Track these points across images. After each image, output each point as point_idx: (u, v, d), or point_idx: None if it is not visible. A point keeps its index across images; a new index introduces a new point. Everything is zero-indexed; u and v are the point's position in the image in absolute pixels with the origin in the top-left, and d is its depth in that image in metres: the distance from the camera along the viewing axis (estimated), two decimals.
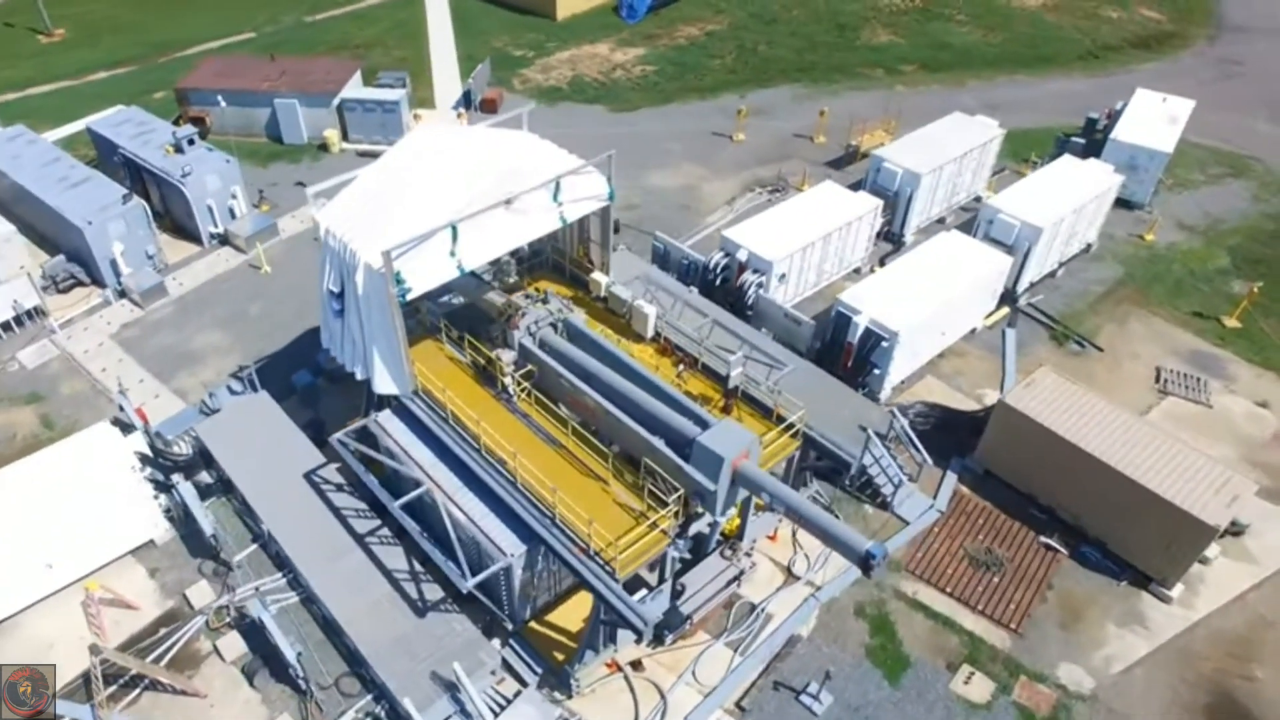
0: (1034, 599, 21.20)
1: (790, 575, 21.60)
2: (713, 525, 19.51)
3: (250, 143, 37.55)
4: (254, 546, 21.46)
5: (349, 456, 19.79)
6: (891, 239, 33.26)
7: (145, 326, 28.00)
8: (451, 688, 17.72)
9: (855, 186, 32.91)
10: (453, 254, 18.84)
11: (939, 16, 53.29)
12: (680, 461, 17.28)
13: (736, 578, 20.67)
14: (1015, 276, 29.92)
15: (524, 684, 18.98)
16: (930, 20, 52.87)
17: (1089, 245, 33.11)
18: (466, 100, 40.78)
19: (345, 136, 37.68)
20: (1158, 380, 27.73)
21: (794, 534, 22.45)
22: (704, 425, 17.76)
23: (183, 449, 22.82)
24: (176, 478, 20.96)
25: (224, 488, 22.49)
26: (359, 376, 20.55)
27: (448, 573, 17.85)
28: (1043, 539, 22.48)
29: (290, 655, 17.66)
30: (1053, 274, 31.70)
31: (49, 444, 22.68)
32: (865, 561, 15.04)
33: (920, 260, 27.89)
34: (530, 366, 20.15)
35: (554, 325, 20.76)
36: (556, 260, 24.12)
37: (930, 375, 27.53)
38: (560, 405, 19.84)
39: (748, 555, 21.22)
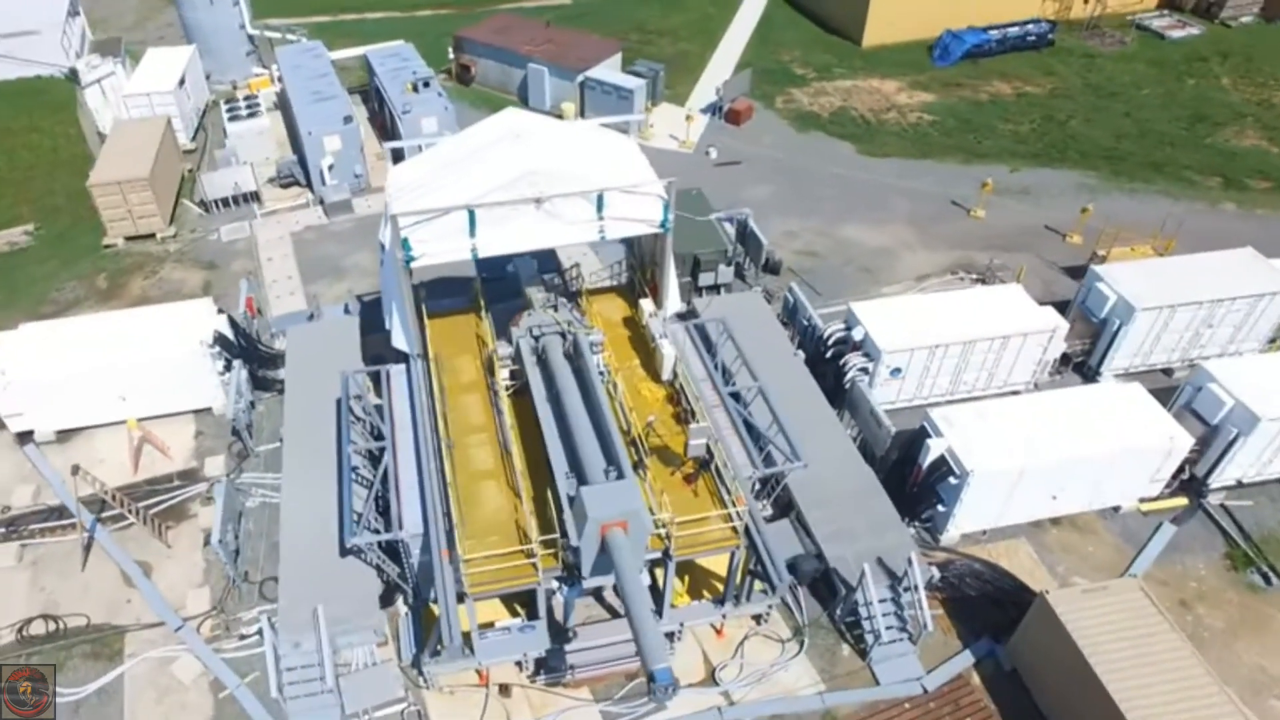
0: None
1: (711, 679, 20.25)
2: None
3: (502, 98, 41.88)
4: (277, 444, 24.76)
5: (345, 391, 22.02)
6: (1085, 373, 28.73)
7: (322, 233, 32.97)
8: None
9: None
10: (471, 236, 20.12)
11: None
12: (566, 505, 17.15)
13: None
14: (1211, 465, 24.56)
15: (400, 657, 20.11)
16: None
17: None
18: (715, 106, 41.68)
19: (582, 113, 40.51)
20: None
21: (743, 640, 20.98)
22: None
23: (280, 345, 26.95)
24: (238, 362, 24.78)
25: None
26: (386, 326, 22.73)
27: (344, 524, 19.35)
28: None
29: (214, 538, 20.42)
30: None
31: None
32: (648, 680, 14.12)
33: (1062, 403, 24.04)
34: (517, 366, 20.95)
35: (562, 335, 21.27)
36: (632, 277, 24.54)
37: (1025, 538, 23.68)
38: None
39: (673, 636, 20.38)
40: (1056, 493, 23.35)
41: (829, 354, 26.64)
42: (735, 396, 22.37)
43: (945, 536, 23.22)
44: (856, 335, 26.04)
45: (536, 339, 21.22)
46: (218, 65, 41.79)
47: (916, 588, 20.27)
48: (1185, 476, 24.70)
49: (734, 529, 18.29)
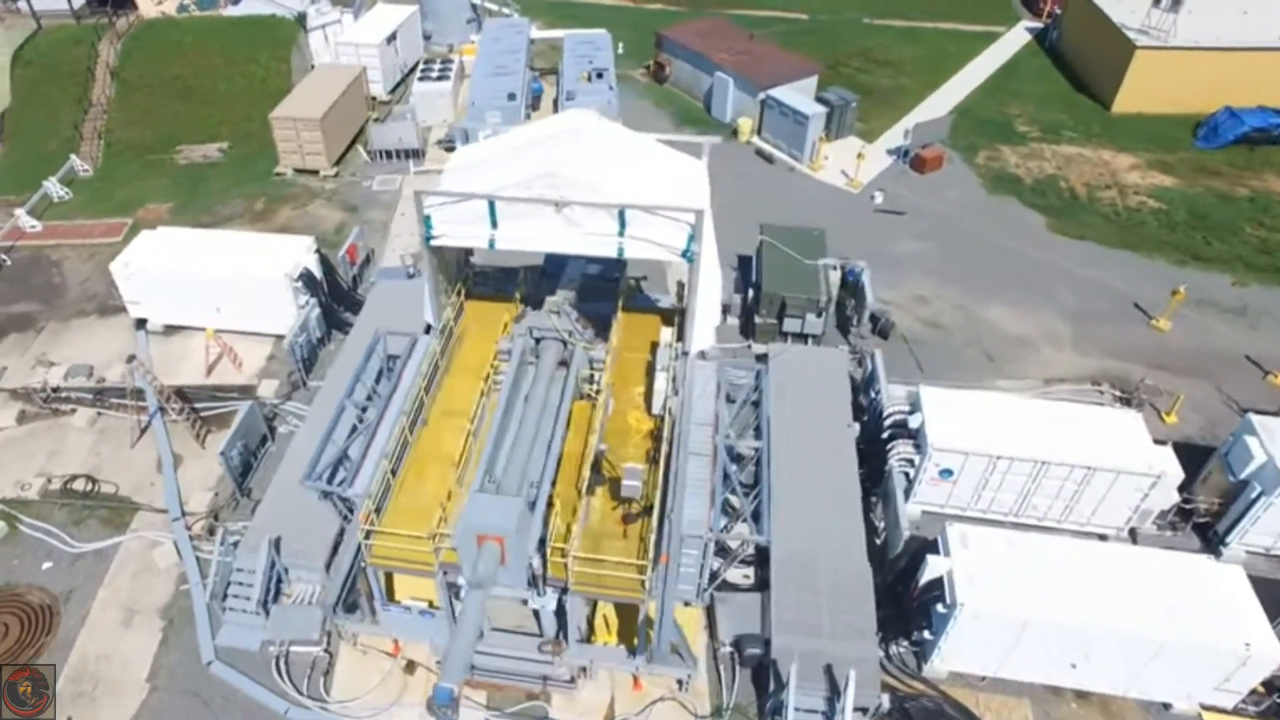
0: None
1: None
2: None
3: (689, 101, 42.46)
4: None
5: (370, 346, 23.70)
6: (1209, 538, 24.57)
7: None
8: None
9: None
10: (492, 227, 20.95)
11: None
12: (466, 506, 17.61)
13: (543, 678, 20.07)
14: None
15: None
16: None
17: None
18: (904, 150, 39.58)
19: (759, 131, 40.12)
20: None
21: (656, 700, 20.33)
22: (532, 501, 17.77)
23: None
24: (310, 300, 27.44)
25: None
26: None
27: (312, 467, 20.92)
28: None
29: (220, 449, 22.98)
30: None
31: (324, 241, 31.46)
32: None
33: (1129, 563, 20.79)
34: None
35: (564, 343, 21.62)
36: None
37: (1031, 701, 20.80)
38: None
39: (585, 672, 20.28)
40: (1078, 661, 20.32)
41: (884, 434, 24.92)
42: (732, 453, 21.64)
43: (929, 667, 21.03)
44: (913, 422, 24.13)
45: (538, 341, 21.73)
46: (439, 28, 45.90)
47: (845, 710, 18.68)
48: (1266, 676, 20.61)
49: (642, 582, 17.83)
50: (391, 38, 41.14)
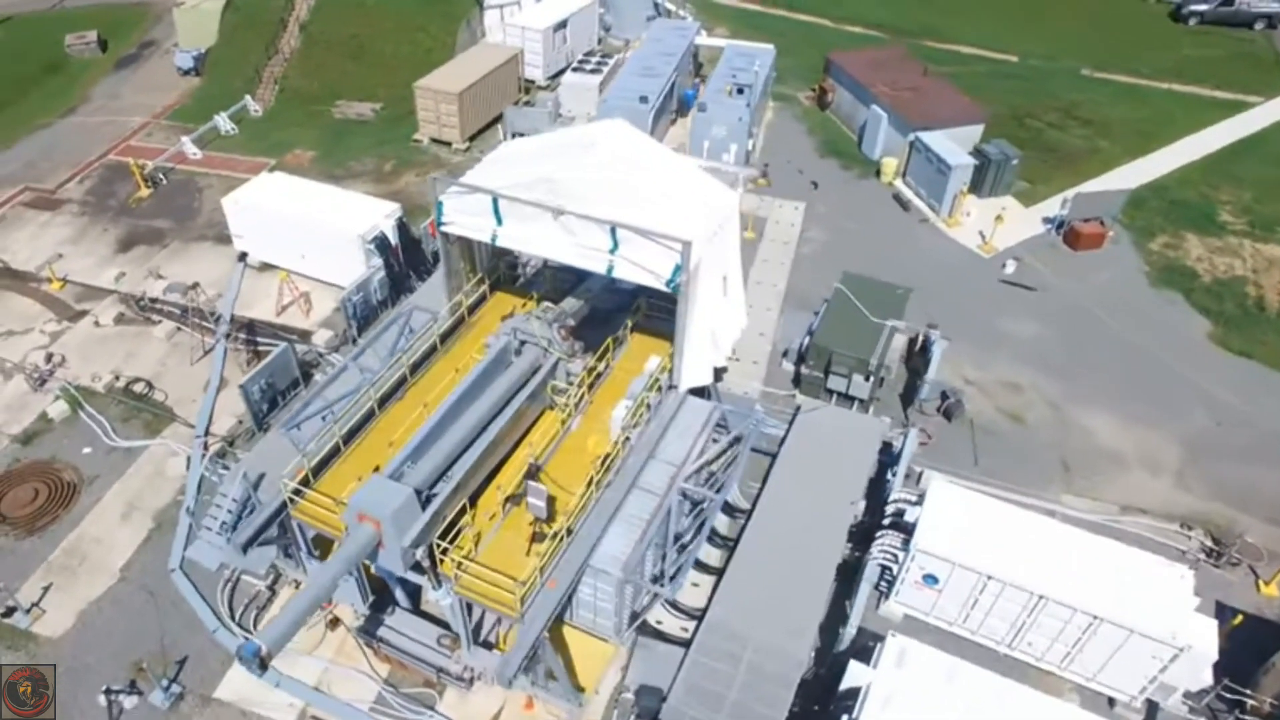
0: None
1: None
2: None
3: (842, 132, 41.16)
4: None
5: (391, 318, 25.34)
6: None
7: None
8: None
9: None
10: (497, 224, 21.77)
11: None
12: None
13: (439, 669, 20.77)
14: None
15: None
16: None
17: None
18: (1060, 220, 36.19)
19: (904, 174, 38.22)
20: None
21: None
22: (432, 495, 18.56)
23: None
24: (378, 263, 29.52)
25: None
26: None
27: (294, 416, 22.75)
28: None
29: (241, 382, 25.45)
30: None
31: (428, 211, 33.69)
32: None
33: None
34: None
35: (545, 349, 22.04)
36: None
37: None
38: None
39: (475, 675, 20.81)
40: None
41: (886, 520, 23.40)
42: (688, 498, 21.31)
43: None
44: (910, 515, 22.51)
45: (522, 343, 22.28)
46: (619, 22, 47.23)
47: None
48: None
49: (521, 600, 18.03)
50: (560, 26, 42.95)
